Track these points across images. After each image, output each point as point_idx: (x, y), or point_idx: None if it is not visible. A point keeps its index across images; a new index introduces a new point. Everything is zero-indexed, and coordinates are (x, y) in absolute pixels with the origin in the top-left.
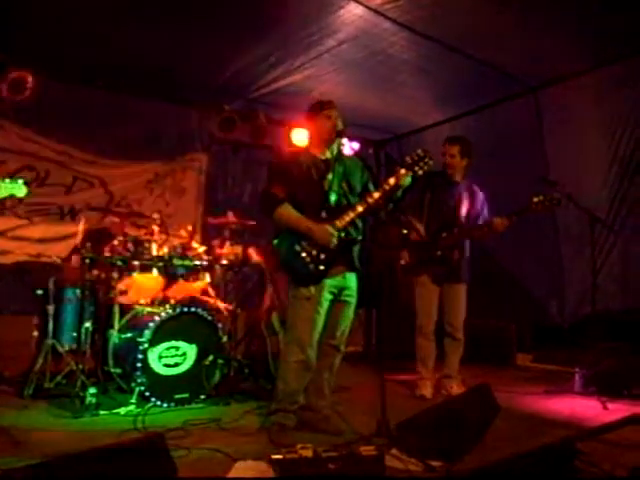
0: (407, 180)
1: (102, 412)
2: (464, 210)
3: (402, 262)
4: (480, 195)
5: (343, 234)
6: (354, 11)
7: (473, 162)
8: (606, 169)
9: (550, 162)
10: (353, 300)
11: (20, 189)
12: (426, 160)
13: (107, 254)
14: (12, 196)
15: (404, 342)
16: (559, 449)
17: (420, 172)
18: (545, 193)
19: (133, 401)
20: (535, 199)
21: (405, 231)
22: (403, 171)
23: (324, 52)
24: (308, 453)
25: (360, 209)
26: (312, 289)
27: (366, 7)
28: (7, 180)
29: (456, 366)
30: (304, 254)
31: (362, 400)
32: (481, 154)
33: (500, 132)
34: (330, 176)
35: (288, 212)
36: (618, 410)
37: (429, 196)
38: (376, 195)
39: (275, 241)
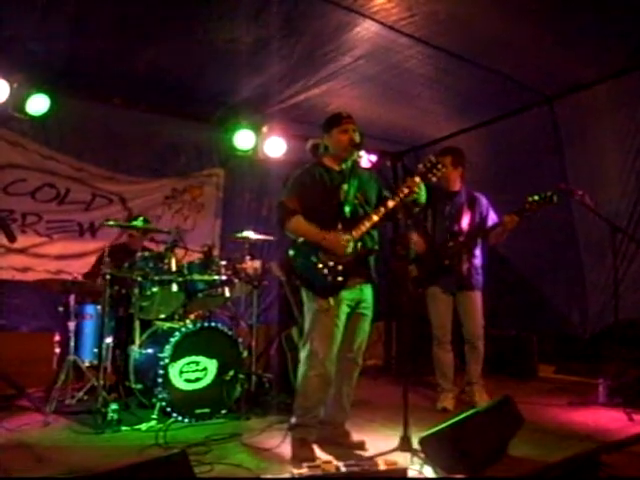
0: (421, 186)
1: (124, 428)
2: (466, 219)
3: (412, 275)
4: (482, 201)
5: (360, 244)
6: (370, 28)
7: (467, 170)
8: (625, 179)
9: (568, 172)
10: (369, 312)
11: None
12: (439, 167)
13: (127, 270)
14: None
15: (421, 355)
16: (584, 461)
17: (434, 179)
18: (539, 192)
19: (154, 417)
20: (530, 199)
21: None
22: (417, 179)
23: (341, 68)
24: (330, 468)
25: (375, 218)
26: (331, 301)
27: (382, 24)
28: None
29: (478, 373)
30: (321, 265)
31: (383, 413)
32: (498, 164)
33: (517, 142)
34: (345, 187)
35: (301, 223)
36: None
37: (431, 211)
38: (390, 204)
39: (291, 252)
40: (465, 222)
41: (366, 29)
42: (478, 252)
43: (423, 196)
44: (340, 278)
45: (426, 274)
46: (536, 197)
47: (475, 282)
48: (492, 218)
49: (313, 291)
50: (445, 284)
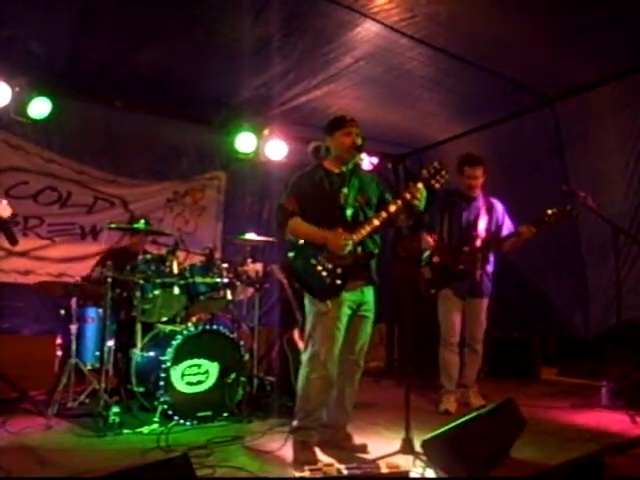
0: (423, 193)
1: (125, 431)
2: (483, 225)
3: (425, 277)
4: (499, 207)
5: (360, 248)
6: (371, 29)
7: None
8: (627, 181)
9: (570, 174)
10: (371, 315)
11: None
12: (442, 173)
13: (129, 273)
14: None
15: (425, 358)
16: (587, 464)
17: (437, 185)
18: (559, 206)
19: (156, 420)
20: (549, 212)
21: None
22: (420, 185)
23: (342, 69)
24: (332, 470)
25: (376, 222)
26: (329, 303)
27: (382, 24)
28: None
29: (473, 376)
30: (320, 268)
31: (386, 416)
32: (501, 166)
33: (518, 144)
34: (346, 190)
35: (300, 224)
36: None
37: (448, 215)
38: (392, 209)
39: (291, 254)
40: (482, 227)
41: (367, 29)
42: (492, 258)
43: (423, 204)
44: (339, 281)
45: (439, 277)
46: (555, 210)
47: (485, 289)
48: (507, 227)
49: (311, 293)
50: (457, 288)
